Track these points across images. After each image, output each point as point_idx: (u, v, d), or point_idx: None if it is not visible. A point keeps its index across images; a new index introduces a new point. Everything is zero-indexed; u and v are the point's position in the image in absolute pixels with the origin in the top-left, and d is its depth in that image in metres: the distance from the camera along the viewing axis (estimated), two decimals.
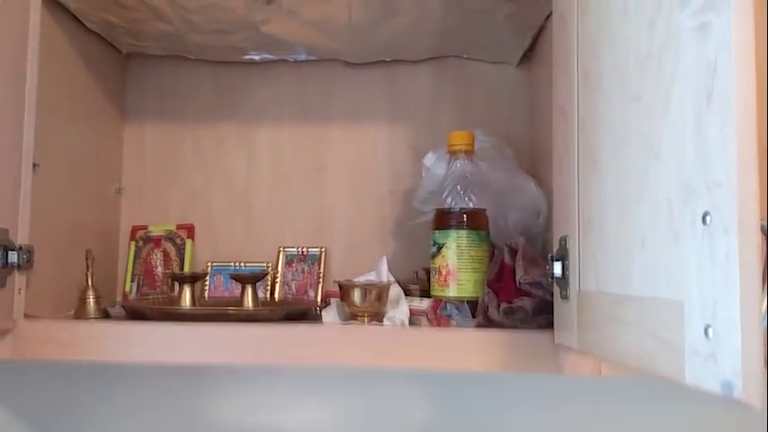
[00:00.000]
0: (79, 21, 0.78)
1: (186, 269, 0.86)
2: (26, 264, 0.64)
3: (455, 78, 0.92)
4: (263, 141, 0.92)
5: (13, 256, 0.63)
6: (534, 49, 0.86)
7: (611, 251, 0.50)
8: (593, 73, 0.53)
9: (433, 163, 0.80)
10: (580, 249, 0.55)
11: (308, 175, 0.92)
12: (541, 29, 0.80)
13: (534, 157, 0.87)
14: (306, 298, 0.85)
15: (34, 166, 0.67)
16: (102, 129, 0.87)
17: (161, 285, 0.85)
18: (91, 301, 0.71)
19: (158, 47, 0.87)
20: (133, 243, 0.88)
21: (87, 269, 0.72)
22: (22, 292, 0.65)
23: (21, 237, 0.65)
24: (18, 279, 0.64)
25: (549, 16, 0.75)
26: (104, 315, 0.72)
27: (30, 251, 0.65)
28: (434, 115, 0.92)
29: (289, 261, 0.87)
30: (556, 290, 0.60)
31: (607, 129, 0.50)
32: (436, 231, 0.70)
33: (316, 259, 0.87)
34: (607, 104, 0.50)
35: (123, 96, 0.93)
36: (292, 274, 0.87)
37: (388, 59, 0.91)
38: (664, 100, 0.41)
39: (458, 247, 0.68)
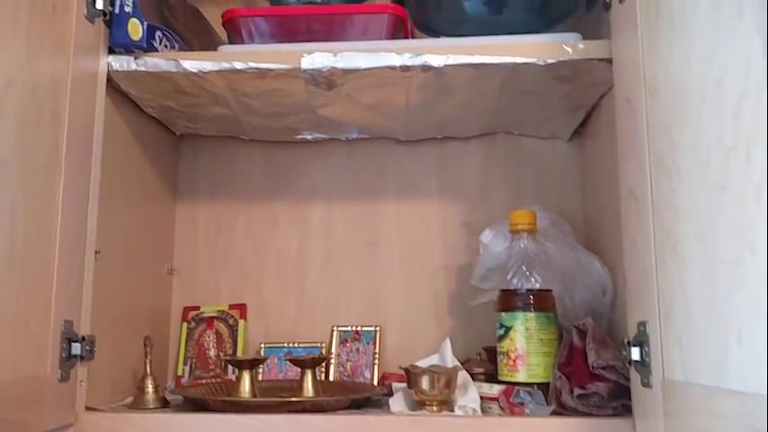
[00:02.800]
0: (137, 106, 0.80)
1: (239, 350, 0.85)
2: (89, 354, 0.64)
3: (506, 154, 0.92)
4: (316, 219, 0.93)
5: (76, 348, 0.62)
6: (586, 124, 0.86)
7: (700, 341, 0.48)
8: (669, 158, 0.52)
9: (491, 240, 0.79)
10: (662, 336, 0.54)
11: (360, 251, 0.91)
12: (594, 106, 0.80)
13: (589, 231, 0.86)
14: (362, 379, 0.83)
15: (96, 253, 0.67)
16: (156, 209, 0.88)
17: (214, 368, 0.84)
18: (150, 389, 0.70)
19: (212, 128, 0.89)
20: (185, 324, 0.88)
21: (146, 356, 0.71)
22: (83, 383, 0.64)
23: (83, 327, 0.64)
24: (80, 370, 0.64)
25: (603, 95, 0.76)
26: (163, 404, 0.70)
27: (92, 341, 0.65)
28: (486, 190, 0.91)
29: (343, 340, 0.86)
30: (635, 376, 0.58)
31: (688, 216, 0.49)
32: (502, 313, 0.68)
33: (371, 338, 0.85)
34: (687, 191, 0.49)
35: (176, 176, 0.94)
36: (347, 354, 0.85)
37: (438, 136, 0.91)
38: (756, 192, 0.40)
39: (526, 329, 0.66)
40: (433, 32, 0.83)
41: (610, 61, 0.66)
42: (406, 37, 0.78)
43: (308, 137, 0.90)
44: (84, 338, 0.63)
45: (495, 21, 0.77)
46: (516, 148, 0.92)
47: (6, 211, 0.53)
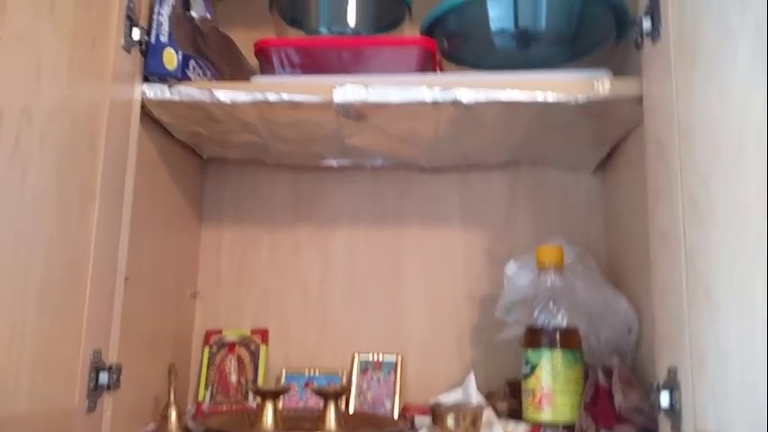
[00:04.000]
0: (166, 130, 0.80)
1: (260, 376, 0.85)
2: (115, 383, 0.64)
3: (529, 184, 0.92)
4: (339, 245, 0.93)
5: (103, 377, 0.62)
6: (611, 157, 0.86)
7: (735, 392, 0.47)
8: (704, 204, 0.52)
9: (515, 272, 0.79)
10: (693, 383, 0.53)
11: (383, 279, 0.92)
12: (620, 140, 0.80)
13: (612, 266, 0.85)
14: (383, 410, 0.83)
15: (125, 280, 0.68)
16: (181, 233, 0.89)
17: (235, 394, 0.84)
18: (173, 418, 0.70)
19: (239, 153, 0.90)
20: (207, 348, 0.88)
21: (170, 384, 0.71)
22: (109, 412, 0.64)
23: (111, 355, 0.65)
24: (106, 400, 0.64)
25: (630, 131, 0.76)
26: None
27: (119, 370, 0.65)
28: (509, 220, 0.91)
29: (363, 369, 0.86)
30: (664, 421, 0.57)
31: (725, 265, 0.48)
32: (528, 350, 0.68)
33: (392, 367, 0.85)
34: (724, 240, 0.49)
35: (201, 200, 0.95)
36: (367, 383, 0.85)
37: (463, 165, 0.91)
38: None
39: (552, 368, 0.66)
40: (461, 63, 0.83)
41: (640, 99, 0.66)
42: (435, 68, 0.79)
43: (333, 163, 0.91)
44: (110, 367, 0.63)
45: (524, 54, 0.78)
46: (540, 178, 0.92)
47: (44, 244, 0.53)
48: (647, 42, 0.63)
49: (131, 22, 0.67)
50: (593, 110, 0.70)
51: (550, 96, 0.67)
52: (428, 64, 0.76)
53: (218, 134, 0.81)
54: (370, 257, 0.92)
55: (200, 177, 0.94)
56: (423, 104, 0.69)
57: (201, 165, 0.94)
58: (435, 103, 0.69)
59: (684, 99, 0.56)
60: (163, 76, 0.70)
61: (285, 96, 0.70)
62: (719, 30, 0.50)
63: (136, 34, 0.67)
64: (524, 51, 0.77)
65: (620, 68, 0.76)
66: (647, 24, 0.62)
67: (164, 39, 0.69)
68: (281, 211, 0.94)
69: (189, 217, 0.91)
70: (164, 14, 0.70)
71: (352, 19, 0.79)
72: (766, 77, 0.43)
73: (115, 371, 0.64)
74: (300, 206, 0.94)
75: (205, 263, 0.94)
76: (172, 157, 0.83)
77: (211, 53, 0.76)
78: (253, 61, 0.80)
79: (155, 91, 0.70)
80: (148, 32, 0.70)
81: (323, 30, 0.80)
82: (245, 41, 0.85)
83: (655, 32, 0.61)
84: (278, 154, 0.88)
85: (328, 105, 0.70)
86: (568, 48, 0.78)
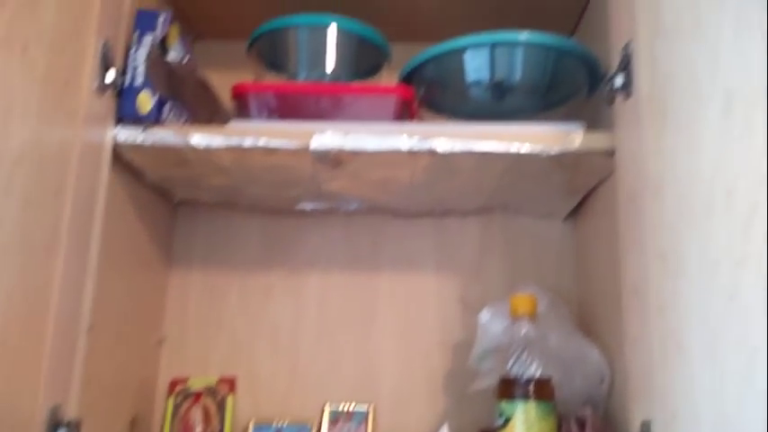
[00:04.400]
0: (137, 173, 0.79)
1: (227, 427, 0.82)
2: None
3: (502, 231, 0.92)
4: (311, 291, 0.92)
5: None
6: (582, 205, 0.87)
7: None
8: (674, 259, 0.52)
9: (489, 320, 0.79)
10: None
11: (355, 325, 0.90)
12: (592, 189, 0.82)
13: (584, 313, 0.86)
14: None
15: (89, 329, 0.65)
16: (149, 277, 0.86)
17: None
18: None
19: (211, 196, 0.88)
20: (171, 399, 0.85)
21: None
22: None
23: (70, 410, 0.61)
24: None
25: (603, 181, 0.77)
26: None
27: (78, 426, 0.61)
28: (482, 267, 0.91)
29: (334, 419, 0.84)
30: None
31: (695, 320, 0.49)
32: (502, 402, 0.67)
33: (363, 418, 0.83)
34: (694, 295, 0.49)
35: (171, 243, 0.93)
36: None
37: (437, 210, 0.92)
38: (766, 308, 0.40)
39: (527, 419, 0.65)
40: (437, 110, 0.85)
41: (612, 152, 0.67)
42: (412, 116, 0.80)
43: (308, 207, 0.90)
44: (69, 423, 0.60)
45: (499, 104, 0.79)
46: (513, 225, 0.92)
47: (3, 296, 0.51)
48: (619, 98, 0.65)
49: (106, 63, 0.66)
50: (566, 161, 0.71)
51: (525, 148, 0.68)
52: (405, 112, 0.77)
53: (191, 177, 0.80)
54: (342, 303, 0.91)
55: (170, 220, 0.92)
56: (400, 153, 0.70)
57: (172, 208, 0.93)
58: (412, 152, 0.70)
59: (656, 155, 0.58)
60: (137, 120, 0.69)
61: (262, 142, 0.69)
62: (690, 91, 0.51)
63: (110, 76, 0.67)
64: (499, 102, 0.79)
65: (593, 117, 0.78)
66: (619, 81, 0.64)
67: (139, 81, 0.68)
68: (253, 255, 0.93)
69: (157, 261, 0.89)
70: (140, 57, 0.69)
71: (331, 65, 0.79)
72: (737, 138, 0.44)
73: (74, 427, 0.60)
74: (272, 250, 0.93)
75: (172, 308, 0.91)
76: (142, 201, 0.81)
77: (187, 96, 0.75)
78: (230, 103, 0.80)
79: (127, 134, 0.69)
80: (123, 74, 0.69)
81: (302, 75, 0.80)
82: (222, 82, 0.86)
83: (627, 89, 0.63)
84: (251, 197, 0.88)
85: (305, 151, 0.70)
86: (542, 99, 0.80)
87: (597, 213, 0.81)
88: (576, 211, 0.90)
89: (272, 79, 0.83)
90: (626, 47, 0.63)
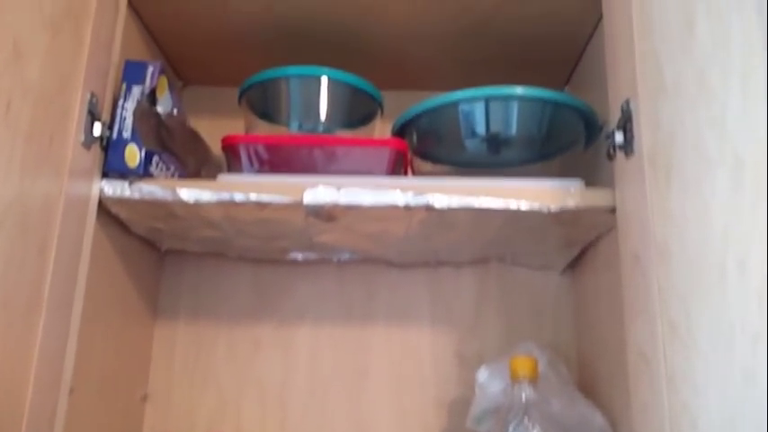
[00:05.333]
0: (123, 225, 0.76)
1: None
2: None
3: (498, 283, 0.90)
4: (302, 344, 0.88)
5: None
6: (580, 257, 0.86)
7: None
8: (684, 328, 0.50)
9: (486, 379, 0.76)
10: None
11: (347, 380, 0.87)
12: (590, 243, 0.80)
13: (584, 371, 0.83)
14: None
15: (70, 392, 0.62)
16: (133, 331, 0.83)
17: None
18: None
19: (200, 246, 0.86)
20: None
21: None
22: None
23: None
24: None
25: (602, 235, 0.75)
26: None
27: None
28: (478, 320, 0.89)
29: None
30: None
31: (710, 396, 0.47)
32: None
33: None
34: (707, 370, 0.47)
35: (157, 294, 0.90)
36: None
37: (432, 261, 0.90)
38: None
39: None
40: (431, 159, 0.83)
41: (613, 209, 0.66)
42: (406, 167, 0.78)
43: (299, 257, 0.88)
44: None
45: (494, 155, 0.78)
46: (509, 276, 0.90)
47: None
48: (619, 155, 0.64)
49: (93, 117, 0.64)
50: (565, 217, 0.69)
51: (523, 205, 0.66)
52: (399, 164, 0.75)
53: (179, 229, 0.77)
54: (334, 357, 0.88)
55: (156, 270, 0.90)
56: (395, 208, 0.68)
57: (159, 257, 0.90)
58: (408, 207, 0.68)
59: (661, 216, 0.56)
60: (124, 173, 0.67)
61: (253, 197, 0.67)
62: (697, 154, 0.50)
63: (97, 129, 0.64)
64: (495, 154, 0.78)
65: (591, 166, 0.77)
66: (619, 138, 0.63)
67: (126, 134, 0.66)
68: (241, 306, 0.90)
69: (143, 312, 0.85)
70: (128, 109, 0.67)
71: (323, 116, 0.78)
72: (748, 209, 0.43)
73: None
74: (262, 301, 0.90)
75: (157, 362, 0.88)
76: (128, 251, 0.78)
77: (176, 147, 0.73)
78: (220, 151, 0.78)
79: (114, 188, 0.67)
80: (111, 127, 0.67)
81: (294, 125, 0.79)
82: (212, 128, 0.84)
83: (628, 147, 0.61)
84: (240, 248, 0.85)
85: (298, 206, 0.68)
86: (538, 151, 0.78)
87: (597, 267, 0.79)
88: (574, 264, 0.88)
89: (263, 128, 0.81)
90: (625, 104, 0.62)
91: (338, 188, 0.67)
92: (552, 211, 0.66)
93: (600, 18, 0.74)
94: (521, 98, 0.73)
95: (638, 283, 0.59)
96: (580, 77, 0.88)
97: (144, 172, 0.67)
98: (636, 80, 0.60)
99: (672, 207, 0.54)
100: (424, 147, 0.81)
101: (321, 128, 0.78)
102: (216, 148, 0.79)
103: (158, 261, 0.90)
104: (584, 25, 0.79)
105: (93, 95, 0.63)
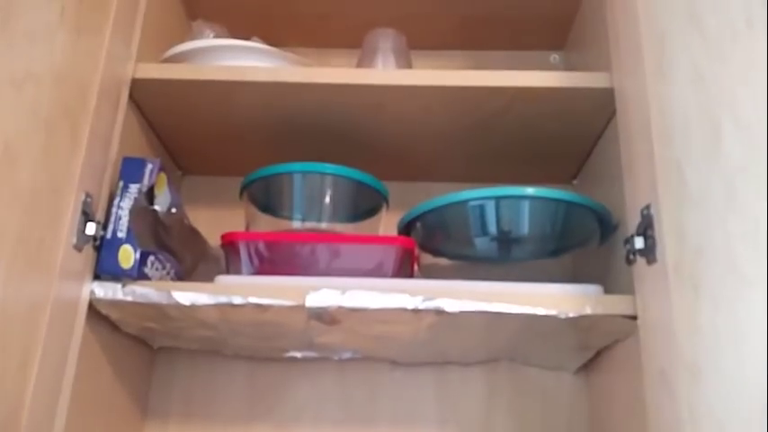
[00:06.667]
0: (113, 324, 0.72)
1: None
2: None
3: (509, 383, 0.85)
4: None
5: None
6: (595, 359, 0.81)
7: None
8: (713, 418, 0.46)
9: None
10: None
11: None
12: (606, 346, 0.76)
13: None
14: None
15: None
16: None
17: None
18: None
19: (193, 345, 0.81)
20: None
21: None
22: None
23: None
24: None
25: (620, 340, 0.71)
26: None
27: None
28: (488, 422, 0.84)
29: None
30: None
31: None
32: None
33: None
34: None
35: (147, 393, 0.84)
36: None
37: (438, 361, 0.85)
38: None
39: None
40: (438, 254, 0.80)
41: (633, 317, 0.62)
42: (412, 265, 0.75)
43: (297, 355, 0.83)
44: None
45: (505, 252, 0.75)
46: (520, 377, 0.85)
47: None
48: (640, 261, 0.61)
49: (87, 217, 0.61)
50: (583, 323, 0.65)
51: (540, 311, 0.63)
52: (406, 263, 0.72)
53: (173, 329, 0.73)
54: None
55: (147, 368, 0.84)
56: (403, 311, 0.64)
57: (151, 354, 0.85)
58: (416, 311, 0.64)
59: (688, 331, 0.52)
60: (117, 275, 0.63)
61: (252, 300, 0.63)
62: (728, 270, 0.47)
63: (90, 229, 0.61)
64: (505, 251, 0.75)
65: (604, 261, 0.74)
66: (639, 244, 0.60)
67: (121, 235, 0.63)
68: (236, 406, 0.84)
69: (131, 415, 0.80)
70: (124, 208, 0.64)
71: (327, 212, 0.75)
72: None
73: None
74: (257, 400, 0.85)
75: None
76: (118, 351, 0.74)
77: (173, 244, 0.70)
78: (218, 241, 0.74)
79: (106, 290, 0.63)
80: (105, 227, 0.64)
81: (297, 219, 0.76)
82: (211, 218, 0.82)
83: (650, 254, 0.58)
84: (237, 347, 0.81)
85: (300, 309, 0.64)
86: (550, 248, 0.75)
87: (613, 369, 0.75)
88: (587, 365, 0.84)
89: (265, 222, 0.78)
90: (646, 209, 0.60)
91: (342, 291, 0.64)
92: (570, 317, 0.63)
93: (612, 115, 0.73)
94: (531, 198, 0.70)
95: (664, 403, 0.55)
96: (590, 172, 0.86)
97: (138, 274, 0.63)
98: (657, 185, 0.58)
99: (702, 323, 0.50)
100: (432, 242, 0.78)
101: (325, 223, 0.75)
102: (214, 236, 0.76)
103: (150, 358, 0.85)
104: (596, 122, 0.77)
105: (87, 195, 0.61)
